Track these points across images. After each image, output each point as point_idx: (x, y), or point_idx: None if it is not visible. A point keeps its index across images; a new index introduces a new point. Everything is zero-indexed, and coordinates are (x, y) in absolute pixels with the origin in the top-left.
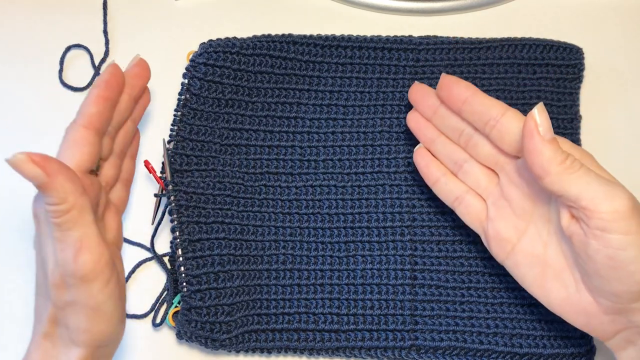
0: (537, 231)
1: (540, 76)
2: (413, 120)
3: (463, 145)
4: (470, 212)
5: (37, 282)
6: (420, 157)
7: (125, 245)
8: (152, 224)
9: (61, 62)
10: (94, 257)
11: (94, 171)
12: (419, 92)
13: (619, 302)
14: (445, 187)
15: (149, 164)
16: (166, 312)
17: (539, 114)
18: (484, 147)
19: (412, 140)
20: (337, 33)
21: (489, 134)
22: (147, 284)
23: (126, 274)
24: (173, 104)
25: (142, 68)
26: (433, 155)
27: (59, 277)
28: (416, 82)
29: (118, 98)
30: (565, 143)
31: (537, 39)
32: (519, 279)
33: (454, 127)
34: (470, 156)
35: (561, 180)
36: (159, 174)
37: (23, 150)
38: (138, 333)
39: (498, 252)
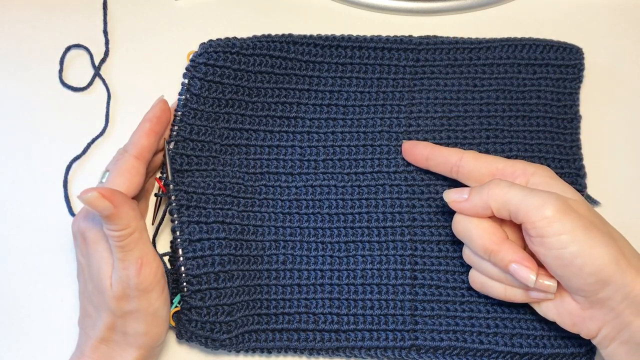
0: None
1: (540, 76)
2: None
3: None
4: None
5: (86, 294)
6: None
7: None
8: (153, 224)
9: (61, 62)
10: (152, 270)
11: None
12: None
13: (586, 295)
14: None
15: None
16: None
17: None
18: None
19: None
20: (337, 33)
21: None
22: None
23: None
24: (173, 103)
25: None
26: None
27: (121, 290)
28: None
29: (164, 132)
30: (518, 163)
31: (537, 39)
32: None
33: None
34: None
35: (499, 201)
36: (159, 175)
37: (89, 187)
38: None
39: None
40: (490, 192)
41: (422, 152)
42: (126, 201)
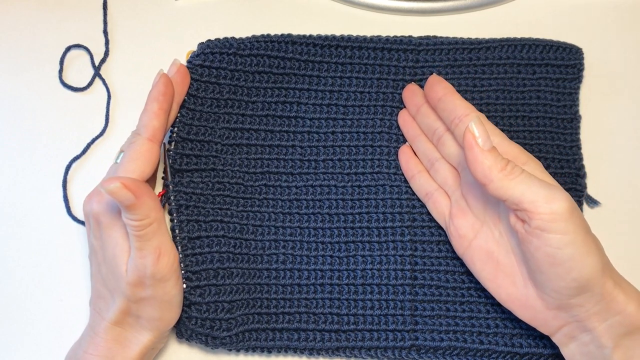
0: (489, 230)
1: (540, 76)
2: (401, 118)
3: (435, 144)
4: (437, 208)
5: (99, 277)
6: (403, 153)
7: None
8: None
9: (61, 62)
10: (169, 260)
11: None
12: (408, 91)
13: (559, 297)
14: (418, 183)
15: None
16: None
17: (476, 126)
18: (450, 147)
19: None
20: (337, 33)
21: (453, 132)
22: None
23: None
24: None
25: (184, 74)
26: (414, 153)
27: (137, 278)
28: (411, 82)
29: (171, 107)
30: (514, 148)
31: (537, 39)
32: (475, 274)
33: (429, 126)
34: (440, 156)
35: (503, 186)
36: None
37: (112, 177)
38: None
39: (457, 247)
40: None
41: (438, 92)
42: (147, 191)
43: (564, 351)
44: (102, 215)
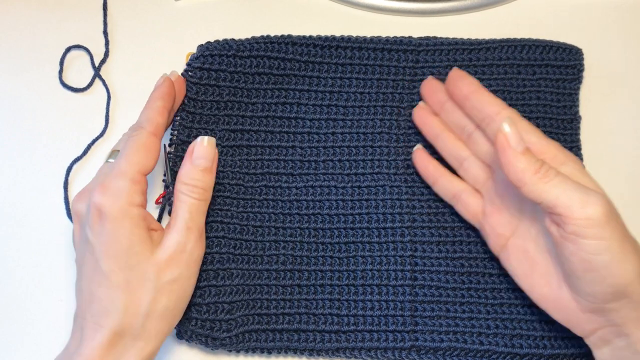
0: (526, 228)
1: (540, 77)
2: (418, 116)
3: (465, 141)
4: (467, 208)
5: (94, 278)
6: (419, 158)
7: None
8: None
9: (61, 63)
10: (204, 244)
11: None
12: (429, 87)
13: (595, 301)
14: (443, 186)
15: None
16: None
17: (509, 126)
18: (482, 145)
19: (411, 142)
20: (337, 34)
21: (485, 130)
22: None
23: None
24: None
25: (182, 84)
26: (436, 150)
27: (171, 255)
28: (430, 77)
29: (172, 108)
30: (552, 147)
31: (537, 40)
32: (510, 272)
33: (457, 123)
34: (470, 153)
35: (537, 189)
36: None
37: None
38: None
39: (493, 245)
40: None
41: (465, 89)
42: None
43: (597, 354)
44: (107, 206)
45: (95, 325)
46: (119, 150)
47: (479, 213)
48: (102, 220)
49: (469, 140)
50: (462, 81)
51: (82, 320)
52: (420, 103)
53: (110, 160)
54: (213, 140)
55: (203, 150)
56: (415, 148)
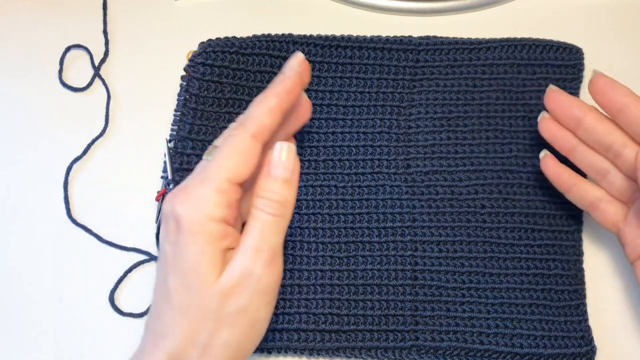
0: None
1: (540, 76)
2: (547, 131)
3: (611, 160)
4: (606, 216)
5: (164, 291)
6: (548, 168)
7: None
8: (156, 222)
9: (61, 63)
10: (279, 270)
11: None
12: (558, 102)
13: None
14: (579, 194)
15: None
16: None
17: None
18: (631, 163)
19: (411, 142)
20: (337, 33)
21: None
22: (144, 283)
23: (122, 273)
24: (173, 103)
25: (308, 108)
26: (570, 160)
27: (236, 281)
28: (552, 87)
29: (290, 110)
30: None
31: (537, 40)
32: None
33: (599, 142)
34: (613, 165)
35: None
36: (161, 174)
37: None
38: (135, 332)
39: (629, 253)
40: None
41: (618, 101)
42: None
43: None
44: (185, 218)
45: (155, 343)
46: (217, 147)
47: (619, 221)
48: (178, 231)
49: (616, 159)
50: (614, 92)
51: (146, 331)
52: (545, 114)
53: (208, 158)
54: (293, 147)
55: (282, 159)
56: (542, 155)
